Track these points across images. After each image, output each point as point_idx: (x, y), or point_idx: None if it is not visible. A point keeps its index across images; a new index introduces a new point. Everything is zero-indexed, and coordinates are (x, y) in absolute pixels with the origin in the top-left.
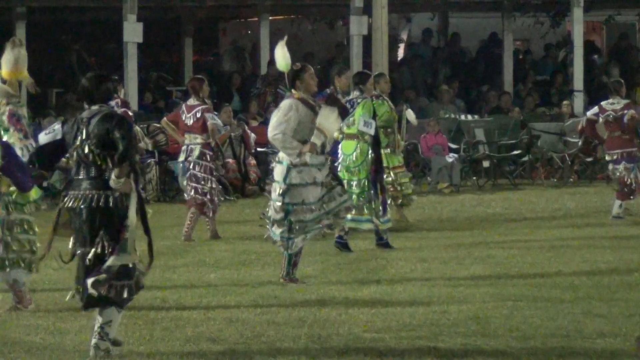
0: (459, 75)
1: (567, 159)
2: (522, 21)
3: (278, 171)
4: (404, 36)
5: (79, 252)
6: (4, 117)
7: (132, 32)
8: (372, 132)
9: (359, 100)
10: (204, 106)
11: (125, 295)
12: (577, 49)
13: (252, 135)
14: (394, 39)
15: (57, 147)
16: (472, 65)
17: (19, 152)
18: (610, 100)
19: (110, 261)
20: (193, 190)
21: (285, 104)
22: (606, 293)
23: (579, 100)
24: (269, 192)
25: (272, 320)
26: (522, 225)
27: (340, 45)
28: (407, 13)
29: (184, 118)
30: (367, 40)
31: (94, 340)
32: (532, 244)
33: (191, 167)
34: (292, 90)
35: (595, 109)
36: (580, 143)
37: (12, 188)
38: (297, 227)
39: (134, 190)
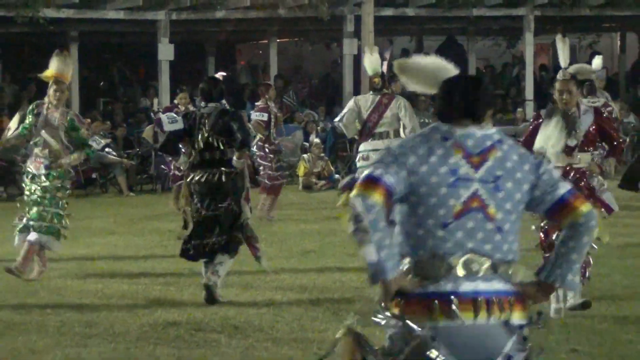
0: None
1: None
2: (483, 43)
3: None
4: (387, 55)
5: (205, 214)
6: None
7: (165, 52)
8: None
9: None
10: (262, 105)
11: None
12: (528, 66)
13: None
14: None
15: (180, 136)
16: None
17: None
18: (590, 99)
19: (242, 219)
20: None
21: (407, 102)
22: None
23: (529, 108)
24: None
25: (279, 286)
26: None
27: (334, 63)
28: (389, 36)
29: None
30: (357, 59)
31: (205, 280)
32: None
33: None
34: (391, 89)
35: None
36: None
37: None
38: None
39: (247, 167)
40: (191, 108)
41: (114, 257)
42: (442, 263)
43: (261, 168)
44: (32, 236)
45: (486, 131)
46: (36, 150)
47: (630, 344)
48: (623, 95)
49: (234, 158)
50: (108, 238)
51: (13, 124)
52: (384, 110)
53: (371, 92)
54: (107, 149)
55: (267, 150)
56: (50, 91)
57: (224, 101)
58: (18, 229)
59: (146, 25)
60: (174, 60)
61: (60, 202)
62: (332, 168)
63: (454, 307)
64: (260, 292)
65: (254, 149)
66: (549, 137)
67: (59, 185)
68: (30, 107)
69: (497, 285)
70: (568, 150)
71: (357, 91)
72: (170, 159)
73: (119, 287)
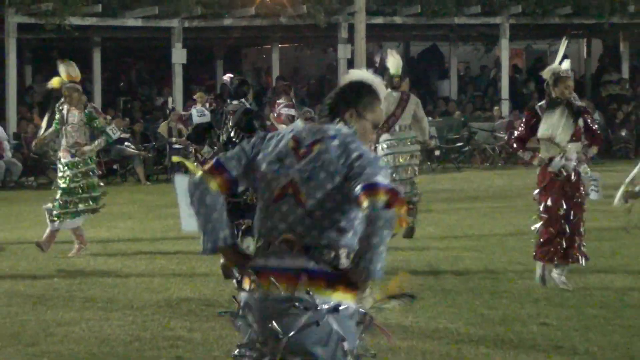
0: (417, 87)
1: (496, 149)
2: (463, 48)
3: None
4: (377, 59)
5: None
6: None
7: (178, 55)
8: None
9: None
10: (286, 103)
11: None
12: (504, 69)
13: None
14: (370, 61)
15: (206, 128)
16: (422, 71)
17: (111, 132)
18: None
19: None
20: None
21: (418, 99)
22: (525, 246)
23: (505, 107)
24: None
25: None
26: (464, 197)
27: (330, 66)
28: (379, 42)
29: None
30: (351, 62)
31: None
32: (471, 211)
33: None
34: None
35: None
36: (506, 137)
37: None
38: None
39: None
40: (207, 105)
41: (133, 239)
42: (262, 240)
43: None
44: (72, 224)
45: (324, 126)
46: (63, 141)
47: (595, 317)
48: (588, 95)
49: None
50: (127, 222)
51: (44, 123)
52: (405, 105)
53: (390, 90)
54: (126, 143)
55: None
56: (66, 93)
57: (243, 100)
58: (58, 216)
59: (161, 32)
60: (186, 63)
61: (91, 185)
62: None
63: (257, 279)
64: None
65: None
66: (556, 126)
67: (84, 170)
68: (57, 105)
69: (299, 262)
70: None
71: None
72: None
73: (137, 267)
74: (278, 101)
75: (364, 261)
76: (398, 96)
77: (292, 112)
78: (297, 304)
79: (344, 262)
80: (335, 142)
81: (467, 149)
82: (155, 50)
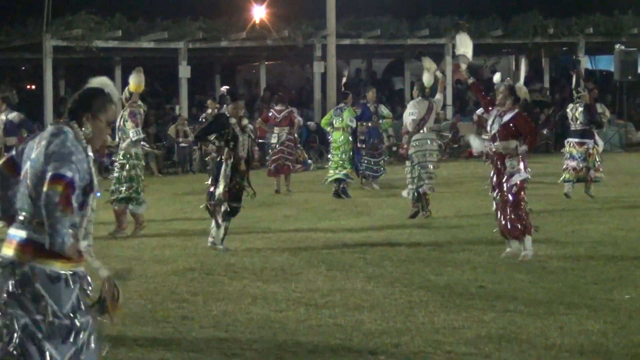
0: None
1: (442, 145)
2: (416, 64)
3: None
4: (345, 73)
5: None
6: (127, 114)
7: (184, 71)
8: (354, 125)
9: (345, 108)
10: (290, 110)
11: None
12: (448, 80)
13: (257, 132)
14: (339, 74)
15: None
16: (385, 85)
17: (132, 134)
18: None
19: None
20: (283, 159)
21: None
22: (466, 224)
23: (449, 111)
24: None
25: (267, 242)
26: None
27: (307, 79)
28: (347, 59)
29: (273, 117)
30: (324, 76)
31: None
32: None
33: (279, 145)
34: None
35: (481, 109)
36: (450, 136)
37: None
38: None
39: (228, 154)
40: (216, 111)
41: (147, 221)
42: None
43: (283, 155)
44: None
45: (57, 126)
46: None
47: (522, 281)
48: None
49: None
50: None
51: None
52: (431, 110)
53: (421, 98)
54: (142, 143)
55: (292, 142)
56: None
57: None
58: (115, 199)
59: (170, 52)
60: (190, 77)
61: (135, 176)
62: (305, 155)
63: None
64: (253, 246)
65: (278, 139)
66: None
67: (134, 163)
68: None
69: (22, 233)
70: (492, 138)
71: (324, 99)
72: None
73: (150, 243)
74: (276, 107)
75: (47, 236)
76: (427, 104)
77: (301, 119)
78: (16, 265)
79: None
80: (53, 139)
81: None
82: (165, 67)
